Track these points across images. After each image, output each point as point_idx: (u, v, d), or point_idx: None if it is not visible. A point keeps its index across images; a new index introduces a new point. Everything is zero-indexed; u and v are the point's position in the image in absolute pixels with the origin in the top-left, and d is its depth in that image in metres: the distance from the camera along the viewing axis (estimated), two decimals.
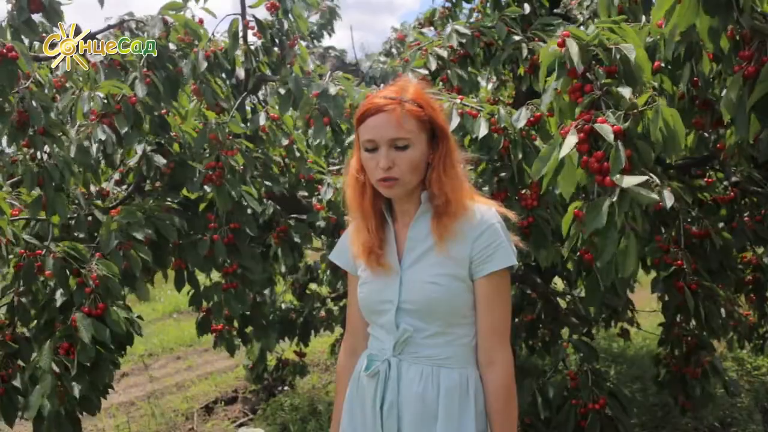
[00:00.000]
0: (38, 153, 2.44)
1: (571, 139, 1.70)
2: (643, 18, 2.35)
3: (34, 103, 2.34)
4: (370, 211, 1.44)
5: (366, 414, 1.42)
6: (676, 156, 1.76)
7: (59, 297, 2.37)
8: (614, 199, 1.65)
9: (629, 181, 1.63)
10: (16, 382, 2.38)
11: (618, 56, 1.82)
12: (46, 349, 2.22)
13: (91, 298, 2.29)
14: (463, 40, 3.01)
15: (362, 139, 1.38)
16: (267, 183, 3.00)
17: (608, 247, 1.68)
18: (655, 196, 1.63)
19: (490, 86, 4.03)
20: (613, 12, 2.24)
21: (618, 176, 1.64)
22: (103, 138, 2.47)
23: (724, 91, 1.74)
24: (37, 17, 2.76)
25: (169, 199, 2.81)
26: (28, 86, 2.37)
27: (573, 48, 1.82)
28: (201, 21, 3.06)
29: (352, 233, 1.51)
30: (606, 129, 1.66)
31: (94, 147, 2.50)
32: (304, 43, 3.20)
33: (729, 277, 2.68)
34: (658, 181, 1.70)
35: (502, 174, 2.34)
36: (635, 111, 1.74)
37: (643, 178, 1.63)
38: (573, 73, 1.86)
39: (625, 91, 1.75)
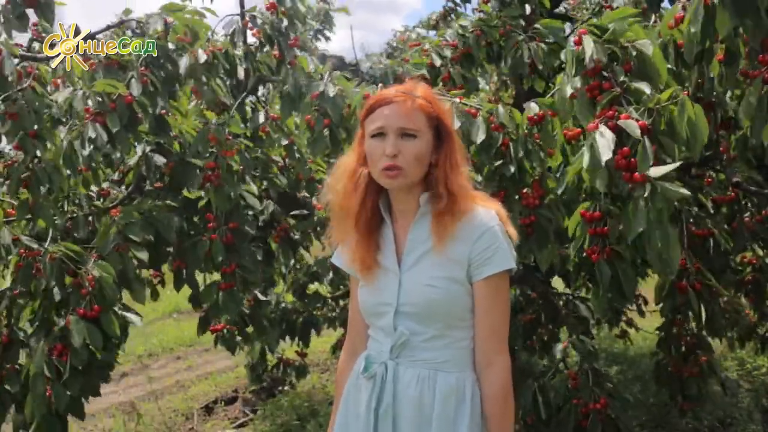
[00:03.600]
0: (29, 155, 2.43)
1: (608, 135, 1.68)
2: (652, 18, 2.36)
3: (24, 104, 2.33)
4: (361, 210, 1.42)
5: (360, 416, 1.41)
6: (698, 152, 1.75)
7: (56, 297, 2.36)
8: (645, 195, 1.64)
9: (658, 171, 1.62)
10: (9, 385, 2.38)
11: (634, 53, 1.82)
12: (40, 350, 2.21)
13: (86, 300, 2.28)
14: (466, 34, 3.01)
15: (370, 127, 1.38)
16: (267, 183, 3.00)
17: (658, 243, 1.67)
18: (685, 191, 1.62)
19: (490, 86, 4.02)
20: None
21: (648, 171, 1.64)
22: (94, 136, 2.45)
23: (729, 94, 1.74)
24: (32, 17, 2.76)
25: (169, 199, 2.80)
26: (29, 85, 2.37)
27: (589, 45, 1.82)
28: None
29: (344, 241, 1.50)
30: (632, 125, 1.65)
31: (86, 146, 2.48)
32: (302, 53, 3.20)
33: (730, 277, 2.68)
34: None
35: (503, 173, 2.34)
36: (658, 106, 1.74)
37: (673, 166, 1.62)
38: (591, 72, 1.85)
39: (644, 86, 1.75)
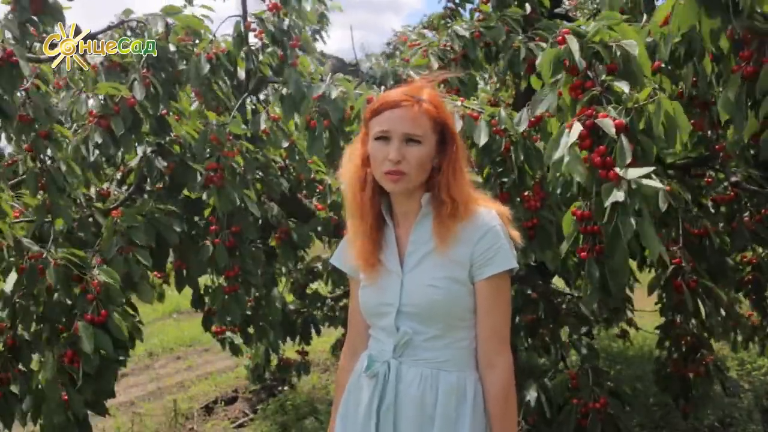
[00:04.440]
0: (40, 155, 2.44)
1: (577, 127, 1.70)
2: (644, 18, 2.36)
3: (38, 105, 2.33)
4: (369, 209, 1.43)
5: (360, 414, 1.41)
6: (679, 146, 1.76)
7: (63, 302, 2.36)
8: (625, 190, 1.65)
9: (634, 173, 1.63)
10: (14, 387, 2.37)
11: (619, 53, 1.83)
12: (51, 358, 2.20)
13: (93, 305, 2.26)
14: (465, 35, 3.02)
15: (375, 130, 1.38)
16: (267, 185, 3.00)
17: (623, 237, 1.67)
18: (660, 185, 1.62)
19: (489, 87, 4.03)
20: (616, 7, 2.24)
21: (623, 170, 1.64)
22: (100, 141, 2.46)
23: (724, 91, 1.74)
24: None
25: (170, 201, 2.80)
26: (31, 84, 2.37)
27: (573, 45, 1.82)
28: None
29: (349, 237, 1.50)
30: (607, 123, 1.67)
31: (91, 149, 2.49)
32: (302, 53, 3.19)
33: (729, 277, 2.68)
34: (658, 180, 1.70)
35: (505, 177, 2.34)
36: (636, 105, 1.75)
37: (649, 169, 1.63)
38: (574, 71, 1.86)
39: (623, 86, 1.76)
